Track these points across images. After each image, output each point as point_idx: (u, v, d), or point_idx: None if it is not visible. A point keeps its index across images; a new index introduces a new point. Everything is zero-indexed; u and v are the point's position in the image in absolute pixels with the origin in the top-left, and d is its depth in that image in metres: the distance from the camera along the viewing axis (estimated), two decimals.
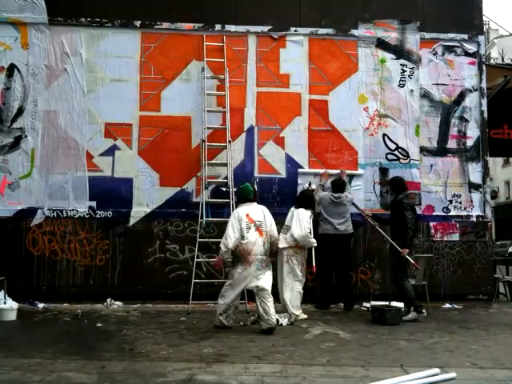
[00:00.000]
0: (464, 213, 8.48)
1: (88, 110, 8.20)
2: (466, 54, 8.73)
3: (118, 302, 7.60)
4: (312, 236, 6.71)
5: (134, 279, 7.89)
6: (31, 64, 8.19)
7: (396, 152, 8.47)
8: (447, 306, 7.86)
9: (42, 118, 8.14)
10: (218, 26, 8.41)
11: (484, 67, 8.78)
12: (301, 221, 6.67)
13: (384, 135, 8.49)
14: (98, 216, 8.00)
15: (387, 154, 8.47)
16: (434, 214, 8.43)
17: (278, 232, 6.40)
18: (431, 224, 8.38)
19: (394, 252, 6.86)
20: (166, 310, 7.28)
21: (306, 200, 7.11)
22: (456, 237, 8.39)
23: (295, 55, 8.48)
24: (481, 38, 8.83)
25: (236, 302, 5.99)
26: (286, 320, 6.27)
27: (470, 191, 8.54)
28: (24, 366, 4.30)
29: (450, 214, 8.45)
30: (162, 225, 8.01)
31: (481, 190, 8.56)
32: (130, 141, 8.20)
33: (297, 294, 6.65)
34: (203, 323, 6.28)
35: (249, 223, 5.85)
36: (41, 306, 7.41)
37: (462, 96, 8.67)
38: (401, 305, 7.06)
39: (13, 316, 6.49)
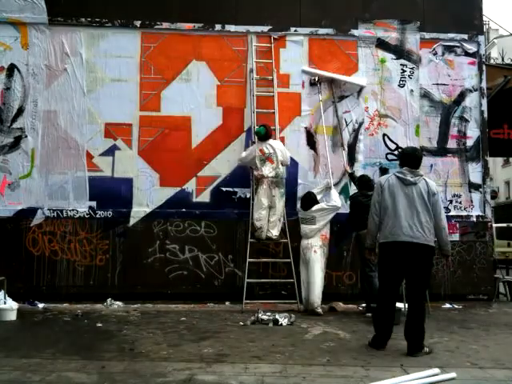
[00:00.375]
0: (464, 213, 8.48)
1: (88, 110, 8.21)
2: (466, 54, 8.73)
3: (118, 302, 7.60)
4: None
5: (134, 279, 7.89)
6: (31, 64, 8.20)
7: (396, 152, 8.47)
8: (447, 305, 7.86)
9: (41, 118, 8.15)
10: (218, 26, 8.41)
11: (484, 67, 8.78)
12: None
13: (384, 135, 8.49)
14: (98, 216, 8.00)
15: (387, 153, 8.47)
16: None
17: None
18: None
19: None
20: (166, 310, 7.28)
21: (311, 203, 7.23)
22: (456, 237, 8.38)
23: (295, 55, 8.48)
24: (481, 38, 8.83)
25: None
26: (286, 320, 6.27)
27: (469, 191, 8.54)
28: (24, 366, 4.30)
29: (450, 214, 8.43)
30: (162, 225, 8.01)
31: (481, 189, 8.56)
32: (130, 141, 8.20)
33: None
34: (203, 323, 6.28)
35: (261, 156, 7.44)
36: (41, 305, 7.41)
37: (461, 96, 8.67)
38: (401, 305, 7.06)
39: (13, 316, 6.49)
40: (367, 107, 8.51)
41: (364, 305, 7.24)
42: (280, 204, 7.48)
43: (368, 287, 6.80)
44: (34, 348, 4.92)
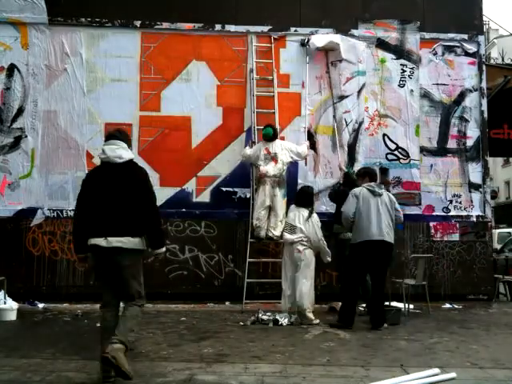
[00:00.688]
0: (464, 213, 8.48)
1: (88, 110, 8.21)
2: (466, 54, 8.73)
3: None
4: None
5: None
6: (31, 64, 8.19)
7: (396, 152, 8.47)
8: (447, 305, 7.86)
9: (41, 118, 8.14)
10: (218, 26, 8.41)
11: (484, 67, 8.78)
12: (316, 228, 6.49)
13: (384, 135, 8.49)
14: None
15: (387, 153, 8.47)
16: (433, 214, 8.43)
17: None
18: (431, 224, 8.38)
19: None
20: (166, 310, 7.28)
21: (307, 198, 6.76)
22: (456, 237, 8.39)
23: (295, 55, 8.47)
24: (481, 38, 8.83)
25: None
26: (286, 320, 6.27)
27: (469, 191, 8.54)
28: (24, 366, 4.30)
29: (450, 213, 8.45)
30: (162, 225, 7.99)
31: (481, 189, 8.56)
32: (130, 141, 8.18)
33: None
34: (203, 323, 6.27)
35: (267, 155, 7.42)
36: (41, 305, 7.41)
37: (461, 96, 8.67)
38: (400, 305, 7.07)
39: (13, 316, 6.49)
40: (367, 107, 8.51)
41: (364, 305, 7.26)
42: (281, 204, 7.42)
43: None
44: (34, 348, 4.92)
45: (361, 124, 8.48)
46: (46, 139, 8.13)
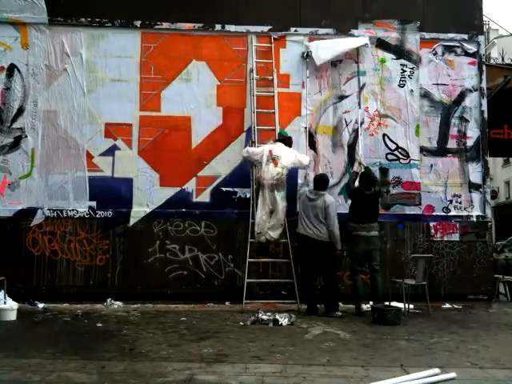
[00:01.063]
0: (464, 213, 8.48)
1: (88, 110, 8.21)
2: (466, 54, 8.73)
3: (118, 302, 7.60)
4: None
5: (134, 279, 7.89)
6: (31, 64, 8.20)
7: (396, 152, 8.47)
8: (447, 306, 7.86)
9: (42, 118, 8.15)
10: (218, 26, 8.41)
11: (484, 67, 8.77)
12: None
13: (384, 135, 8.49)
14: (98, 216, 8.00)
15: (387, 154, 8.47)
16: (434, 214, 8.42)
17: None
18: (431, 224, 8.38)
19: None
20: (166, 310, 7.28)
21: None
22: (456, 237, 8.39)
23: (295, 55, 8.48)
24: (481, 38, 8.82)
25: None
26: (286, 320, 6.27)
27: (469, 191, 8.54)
28: (24, 366, 4.30)
29: (450, 214, 8.45)
30: (162, 225, 8.01)
31: (481, 190, 8.56)
32: (130, 141, 8.20)
33: None
34: (203, 323, 6.27)
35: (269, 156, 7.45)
36: (41, 305, 7.41)
37: (461, 96, 8.67)
38: (400, 305, 7.07)
39: (13, 316, 6.49)
40: (367, 107, 8.51)
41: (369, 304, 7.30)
42: (281, 207, 7.43)
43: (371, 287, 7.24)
44: (34, 348, 4.92)
45: (361, 124, 8.48)
46: (46, 139, 8.13)
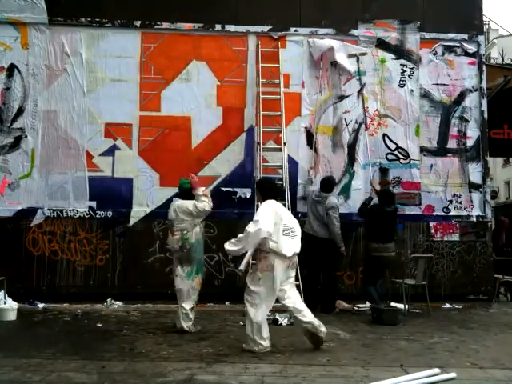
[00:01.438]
0: (464, 213, 8.48)
1: (88, 110, 8.21)
2: (466, 54, 8.73)
3: (118, 302, 7.60)
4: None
5: (134, 279, 7.89)
6: (31, 64, 8.19)
7: (396, 152, 8.47)
8: (447, 306, 7.86)
9: (41, 118, 8.14)
10: (218, 26, 8.41)
11: (484, 67, 8.78)
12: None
13: (384, 135, 8.49)
14: (97, 216, 8.00)
15: (387, 154, 8.46)
16: (433, 214, 8.42)
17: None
18: (431, 224, 8.38)
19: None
20: (166, 310, 7.27)
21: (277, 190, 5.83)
22: (456, 237, 8.39)
23: (295, 55, 8.48)
24: (481, 38, 8.83)
25: None
26: (285, 320, 6.27)
27: (469, 191, 8.54)
28: (24, 366, 4.30)
29: (450, 213, 8.45)
30: (162, 225, 8.00)
31: (481, 190, 8.56)
32: (130, 141, 8.20)
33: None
34: (203, 323, 6.27)
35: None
36: (41, 306, 7.41)
37: (461, 96, 8.67)
38: (400, 305, 7.07)
39: (13, 316, 6.49)
40: (367, 107, 8.51)
41: (364, 305, 7.30)
42: (186, 288, 5.80)
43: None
44: (34, 348, 4.92)
45: (361, 124, 8.48)
46: (46, 139, 8.13)
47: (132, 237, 7.98)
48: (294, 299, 5.00)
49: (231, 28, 8.42)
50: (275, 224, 5.01)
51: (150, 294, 7.79)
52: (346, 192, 8.27)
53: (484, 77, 8.71)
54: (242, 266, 5.16)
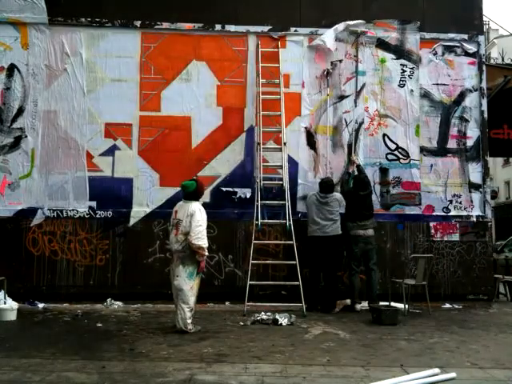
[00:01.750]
0: (464, 213, 8.48)
1: (88, 110, 8.21)
2: (466, 53, 8.73)
3: (118, 302, 7.60)
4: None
5: (134, 279, 7.89)
6: (31, 64, 8.19)
7: (396, 152, 8.47)
8: (447, 305, 7.86)
9: (41, 118, 8.14)
10: (218, 26, 8.41)
11: (484, 67, 8.77)
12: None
13: (384, 135, 8.49)
14: (97, 216, 8.00)
15: (387, 154, 8.46)
16: (433, 214, 8.42)
17: None
18: (431, 224, 8.38)
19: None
20: (166, 310, 7.27)
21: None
22: (456, 237, 8.39)
23: (295, 55, 8.48)
24: (481, 38, 8.82)
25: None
26: (285, 320, 6.27)
27: (469, 191, 8.54)
28: (24, 365, 4.30)
29: (450, 214, 8.44)
30: (162, 225, 8.01)
31: (481, 190, 8.56)
32: (130, 141, 8.20)
33: None
34: (203, 323, 6.27)
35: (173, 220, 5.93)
36: (41, 306, 7.41)
37: (461, 96, 8.66)
38: (400, 305, 7.07)
39: (13, 316, 6.49)
40: (367, 107, 8.51)
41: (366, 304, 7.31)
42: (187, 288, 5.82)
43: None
44: (34, 348, 4.92)
45: (361, 124, 8.48)
46: (46, 139, 8.13)
47: (132, 237, 7.98)
48: None
49: (231, 28, 8.42)
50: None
51: (150, 293, 7.79)
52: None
53: (484, 77, 8.70)
54: None
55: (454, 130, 8.62)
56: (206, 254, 5.76)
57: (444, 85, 8.65)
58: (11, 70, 8.17)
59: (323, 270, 7.46)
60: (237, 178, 8.14)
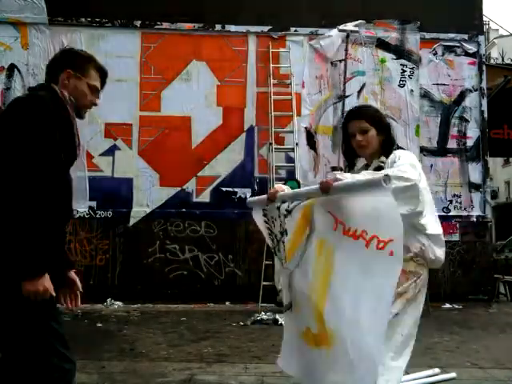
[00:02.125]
0: (464, 213, 8.48)
1: (88, 110, 8.18)
2: (466, 54, 8.73)
3: (118, 302, 7.60)
4: None
5: (134, 279, 7.89)
6: (31, 64, 8.20)
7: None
8: (447, 305, 7.86)
9: None
10: (218, 26, 8.42)
11: (484, 67, 8.78)
12: None
13: None
14: (97, 216, 8.00)
15: None
16: None
17: None
18: None
19: None
20: (166, 310, 7.27)
21: None
22: (456, 237, 8.39)
23: (295, 55, 8.48)
24: (481, 38, 8.83)
25: None
26: None
27: (470, 191, 8.54)
28: None
29: (450, 214, 8.45)
30: (162, 225, 8.01)
31: (481, 189, 8.56)
32: (130, 141, 8.21)
33: None
34: (203, 323, 6.27)
35: None
36: None
37: (461, 96, 8.67)
38: None
39: None
40: None
41: None
42: None
43: None
44: None
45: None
46: None
47: (132, 237, 7.98)
48: None
49: (231, 28, 8.42)
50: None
51: (150, 293, 7.79)
52: None
53: (484, 77, 8.71)
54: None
55: (453, 130, 8.62)
56: None
57: (444, 85, 8.66)
58: (11, 70, 8.18)
59: None
60: (237, 178, 8.15)
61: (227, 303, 7.73)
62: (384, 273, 2.05)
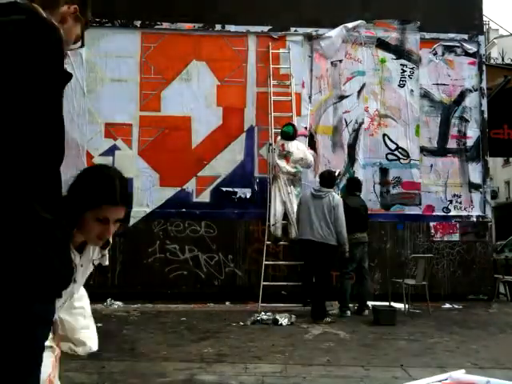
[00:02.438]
0: (464, 213, 8.48)
1: (88, 110, 8.21)
2: (466, 54, 8.73)
3: (118, 302, 7.59)
4: None
5: (134, 279, 7.89)
6: None
7: (396, 152, 8.47)
8: (447, 305, 7.86)
9: None
10: (218, 26, 8.41)
11: (484, 67, 8.78)
12: None
13: (384, 135, 8.49)
14: None
15: (387, 154, 8.47)
16: (434, 214, 8.43)
17: None
18: (431, 224, 8.38)
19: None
20: (166, 310, 7.27)
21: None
22: (456, 237, 8.39)
23: (295, 55, 8.47)
24: (481, 38, 8.83)
25: None
26: (285, 320, 6.27)
27: (470, 191, 8.54)
28: None
29: (450, 214, 8.44)
30: (162, 225, 8.01)
31: (481, 190, 8.56)
32: (130, 141, 8.20)
33: None
34: (203, 323, 6.27)
35: None
36: None
37: (462, 96, 8.67)
38: (400, 305, 7.07)
39: None
40: (367, 107, 8.51)
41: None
42: (294, 203, 7.21)
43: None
44: None
45: (361, 124, 8.48)
46: None
47: (132, 237, 7.97)
48: None
49: (231, 28, 8.42)
50: None
51: (150, 293, 7.79)
52: (344, 192, 8.25)
53: (484, 77, 8.71)
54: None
55: (454, 130, 8.62)
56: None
57: (444, 85, 8.66)
58: None
59: (315, 277, 6.60)
60: (237, 178, 8.15)
61: (227, 303, 7.73)
62: None
